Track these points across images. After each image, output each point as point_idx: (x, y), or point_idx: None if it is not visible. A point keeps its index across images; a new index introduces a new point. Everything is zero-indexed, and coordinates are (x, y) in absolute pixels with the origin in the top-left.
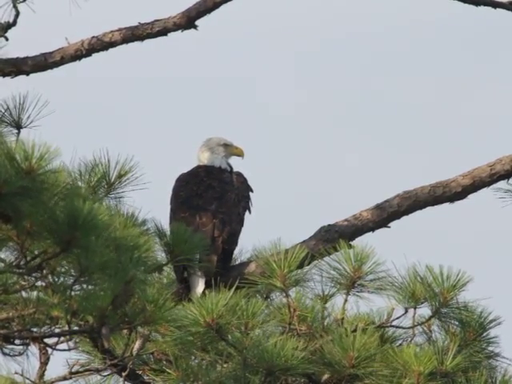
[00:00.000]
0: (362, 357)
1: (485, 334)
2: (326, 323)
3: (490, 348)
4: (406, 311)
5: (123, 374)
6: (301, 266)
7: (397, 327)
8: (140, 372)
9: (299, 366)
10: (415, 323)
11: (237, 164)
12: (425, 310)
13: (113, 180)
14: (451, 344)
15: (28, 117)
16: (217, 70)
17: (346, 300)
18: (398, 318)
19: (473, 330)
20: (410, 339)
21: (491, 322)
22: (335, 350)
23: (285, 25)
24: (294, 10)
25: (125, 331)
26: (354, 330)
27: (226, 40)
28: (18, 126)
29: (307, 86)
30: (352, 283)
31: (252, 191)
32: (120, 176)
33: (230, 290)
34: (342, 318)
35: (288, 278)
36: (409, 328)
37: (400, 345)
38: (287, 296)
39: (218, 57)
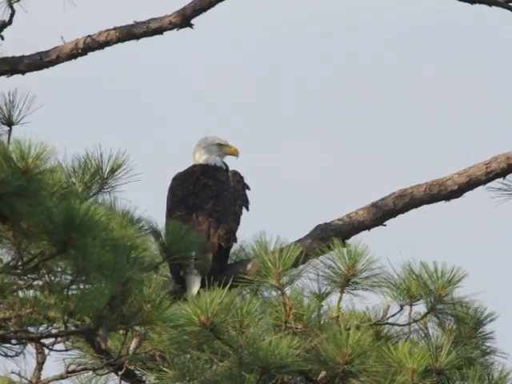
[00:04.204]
0: (355, 353)
1: (480, 330)
2: (321, 321)
3: (486, 344)
4: (402, 308)
5: (119, 372)
6: (296, 264)
7: (392, 324)
8: (133, 368)
9: (294, 364)
10: (411, 320)
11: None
12: (421, 307)
13: (106, 175)
14: (445, 341)
15: (19, 113)
16: (214, 68)
17: (340, 298)
18: (393, 316)
19: (468, 326)
20: (406, 336)
21: (487, 317)
22: (329, 348)
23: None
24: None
25: (121, 331)
26: (349, 328)
27: (224, 38)
28: (10, 123)
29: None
30: (346, 281)
31: (249, 189)
32: (113, 170)
33: (225, 288)
34: (338, 316)
35: (283, 276)
36: (404, 325)
37: (396, 342)
38: (283, 294)
39: (217, 56)
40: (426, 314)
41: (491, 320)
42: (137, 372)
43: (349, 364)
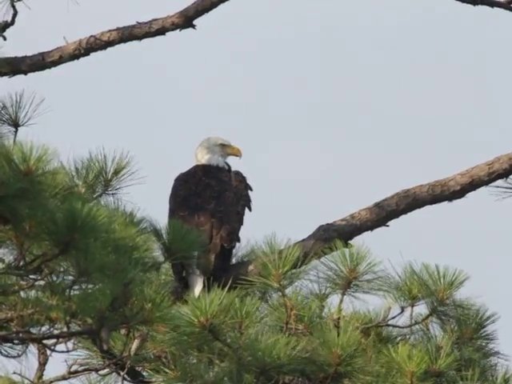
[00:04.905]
0: (346, 354)
1: (482, 331)
2: (322, 322)
3: (488, 345)
4: (403, 310)
5: (122, 373)
6: (298, 264)
7: (394, 326)
8: (140, 369)
9: (291, 364)
10: (412, 322)
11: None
12: (422, 309)
13: (110, 176)
14: (444, 343)
15: (25, 115)
16: (214, 69)
17: (341, 300)
18: (394, 317)
19: (470, 328)
20: (408, 337)
21: (488, 318)
22: (321, 349)
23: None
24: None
25: (123, 330)
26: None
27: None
28: (16, 125)
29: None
30: (348, 283)
31: (251, 189)
32: (116, 172)
33: (225, 289)
34: (339, 318)
35: (284, 277)
36: (406, 327)
37: (397, 344)
38: (284, 295)
39: (217, 56)
40: (427, 316)
41: (492, 321)
42: (145, 373)
43: (340, 365)
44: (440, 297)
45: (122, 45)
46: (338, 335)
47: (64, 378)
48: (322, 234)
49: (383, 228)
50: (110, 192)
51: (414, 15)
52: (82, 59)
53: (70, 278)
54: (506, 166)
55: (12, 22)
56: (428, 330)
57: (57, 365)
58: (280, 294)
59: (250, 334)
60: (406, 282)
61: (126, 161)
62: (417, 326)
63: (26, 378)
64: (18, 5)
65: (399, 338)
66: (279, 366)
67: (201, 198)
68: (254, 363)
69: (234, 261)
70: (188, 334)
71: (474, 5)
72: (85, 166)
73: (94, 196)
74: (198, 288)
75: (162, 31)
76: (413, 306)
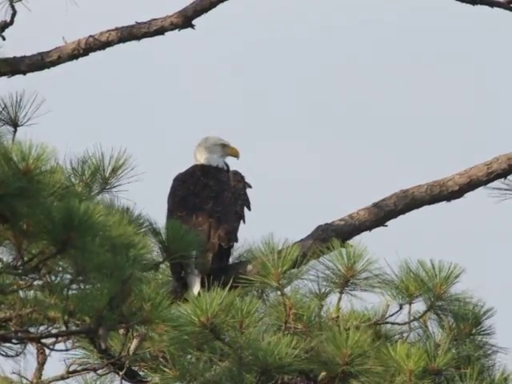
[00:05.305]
0: (355, 354)
1: (479, 326)
2: (321, 321)
3: (485, 339)
4: (401, 307)
5: (120, 373)
6: (297, 264)
7: (392, 323)
8: (137, 369)
9: (293, 364)
10: (411, 318)
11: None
12: (420, 306)
13: (107, 174)
14: (443, 340)
15: (25, 115)
16: (214, 69)
17: (340, 298)
18: (392, 315)
19: (467, 324)
20: (406, 335)
21: (485, 312)
22: (329, 348)
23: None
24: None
25: (121, 330)
26: (349, 328)
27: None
28: (15, 125)
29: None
30: (346, 281)
31: (250, 187)
32: (114, 170)
33: (225, 289)
34: (337, 316)
35: (283, 276)
36: (404, 324)
37: (396, 341)
38: (283, 295)
39: (216, 56)
40: (425, 312)
41: (490, 315)
42: (141, 373)
43: (348, 365)
44: (437, 291)
45: (121, 45)
46: (347, 335)
47: (63, 378)
48: (321, 233)
49: (381, 228)
50: (108, 189)
51: (413, 15)
52: (80, 59)
53: (68, 277)
54: (504, 166)
55: (11, 22)
56: (426, 327)
57: (55, 365)
58: (279, 293)
59: (250, 333)
60: (403, 279)
61: (124, 158)
62: (415, 324)
63: (25, 378)
64: (17, 5)
65: (397, 336)
66: (281, 367)
67: (199, 198)
68: (255, 363)
69: (231, 260)
70: (188, 333)
71: (474, 5)
72: (82, 164)
73: (92, 194)
74: (196, 288)
75: (161, 31)
76: (411, 303)
